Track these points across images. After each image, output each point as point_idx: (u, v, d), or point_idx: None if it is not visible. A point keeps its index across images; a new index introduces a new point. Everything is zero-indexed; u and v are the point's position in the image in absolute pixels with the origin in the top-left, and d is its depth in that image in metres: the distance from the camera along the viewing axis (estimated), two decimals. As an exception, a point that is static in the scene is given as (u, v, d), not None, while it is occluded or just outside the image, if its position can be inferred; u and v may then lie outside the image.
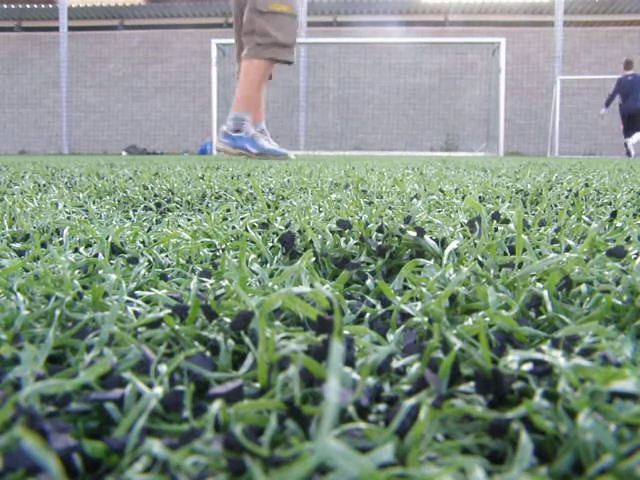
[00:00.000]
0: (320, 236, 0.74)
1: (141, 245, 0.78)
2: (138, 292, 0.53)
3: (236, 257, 0.70)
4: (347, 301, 0.52)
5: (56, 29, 12.56)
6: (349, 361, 0.35)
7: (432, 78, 13.22)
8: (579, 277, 0.54)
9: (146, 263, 0.64)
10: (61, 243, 0.78)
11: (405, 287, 0.58)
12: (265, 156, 4.43)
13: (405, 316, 0.47)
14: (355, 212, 0.96)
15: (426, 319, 0.44)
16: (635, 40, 12.88)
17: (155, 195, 1.39)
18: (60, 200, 1.28)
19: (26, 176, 2.14)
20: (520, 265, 0.59)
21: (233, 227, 0.91)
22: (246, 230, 0.85)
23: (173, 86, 13.72)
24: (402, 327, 0.44)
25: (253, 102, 4.42)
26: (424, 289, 0.50)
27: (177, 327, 0.41)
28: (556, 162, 4.70)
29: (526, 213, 1.09)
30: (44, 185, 1.73)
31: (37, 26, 13.96)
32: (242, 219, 0.98)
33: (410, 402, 0.29)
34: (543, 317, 0.46)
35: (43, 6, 13.35)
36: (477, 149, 10.76)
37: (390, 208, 1.05)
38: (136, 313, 0.47)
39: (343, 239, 0.73)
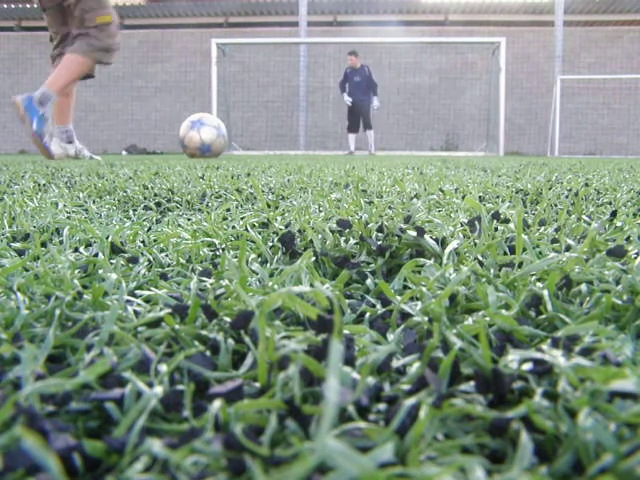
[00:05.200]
0: (320, 236, 0.74)
1: (141, 245, 0.78)
2: (138, 292, 0.53)
3: (236, 257, 0.70)
4: (347, 300, 0.52)
5: (56, 29, 12.54)
6: (349, 360, 0.35)
7: (432, 78, 13.21)
8: (579, 277, 0.54)
9: (146, 263, 0.64)
10: (61, 243, 0.78)
11: (405, 287, 0.58)
12: (37, 141, 4.61)
13: (405, 316, 0.47)
14: (355, 212, 0.96)
15: (426, 319, 0.44)
16: (635, 40, 12.87)
17: (155, 195, 1.39)
18: (60, 200, 1.28)
19: (26, 176, 2.15)
20: (520, 265, 0.59)
21: (233, 227, 0.91)
22: (246, 230, 0.85)
23: (173, 86, 13.71)
24: (402, 327, 0.44)
25: (65, 88, 4.70)
26: (424, 289, 0.50)
27: (177, 327, 0.41)
28: (556, 162, 4.70)
29: (526, 213, 1.09)
30: (44, 185, 1.73)
31: (37, 26, 13.94)
32: (242, 219, 0.98)
33: (410, 401, 0.29)
34: (543, 317, 0.46)
35: (43, 6, 13.34)
36: (477, 149, 10.76)
37: (390, 208, 1.05)
38: (136, 313, 0.47)
39: (343, 239, 0.73)
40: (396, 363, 0.37)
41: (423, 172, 2.48)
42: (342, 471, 0.21)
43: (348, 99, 10.12)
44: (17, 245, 0.76)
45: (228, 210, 1.19)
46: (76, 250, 0.74)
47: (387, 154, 10.10)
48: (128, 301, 0.49)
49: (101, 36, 4.62)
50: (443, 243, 0.70)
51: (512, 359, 0.34)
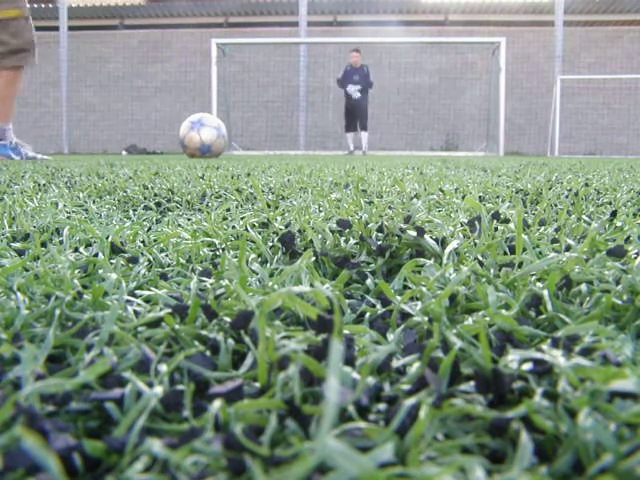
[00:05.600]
0: (320, 236, 0.74)
1: (141, 245, 0.78)
2: (138, 291, 0.53)
3: (236, 257, 0.70)
4: (347, 300, 0.52)
5: (56, 29, 12.55)
6: (349, 360, 0.35)
7: (432, 78, 13.21)
8: (579, 277, 0.54)
9: (146, 263, 0.64)
10: (61, 243, 0.78)
11: (405, 287, 0.58)
12: (33, 162, 4.46)
13: (405, 316, 0.47)
14: (355, 212, 0.96)
15: (426, 319, 0.44)
16: (635, 40, 12.86)
17: (155, 195, 1.39)
18: (60, 200, 1.28)
19: (26, 176, 2.14)
20: (520, 265, 0.59)
21: (233, 227, 0.91)
22: (246, 230, 0.85)
23: (173, 86, 13.71)
24: (402, 327, 0.44)
25: (11, 112, 4.47)
26: (424, 289, 0.50)
27: (177, 327, 0.41)
28: (556, 162, 4.70)
29: (526, 213, 1.09)
30: (44, 185, 1.73)
31: (37, 26, 13.91)
32: (242, 219, 0.98)
33: (410, 401, 0.29)
34: (543, 317, 0.46)
35: (43, 6, 13.33)
36: (477, 149, 10.76)
37: (390, 208, 1.04)
38: (136, 312, 0.47)
39: (343, 239, 0.73)
40: (396, 363, 0.37)
41: (423, 172, 2.48)
42: (342, 471, 0.21)
43: (353, 88, 10.05)
44: (17, 245, 0.76)
45: (228, 210, 1.19)
46: (76, 250, 0.74)
47: (387, 154, 10.09)
48: (128, 301, 0.49)
49: (4, 37, 4.18)
50: (443, 243, 0.70)
51: (512, 359, 0.34)
